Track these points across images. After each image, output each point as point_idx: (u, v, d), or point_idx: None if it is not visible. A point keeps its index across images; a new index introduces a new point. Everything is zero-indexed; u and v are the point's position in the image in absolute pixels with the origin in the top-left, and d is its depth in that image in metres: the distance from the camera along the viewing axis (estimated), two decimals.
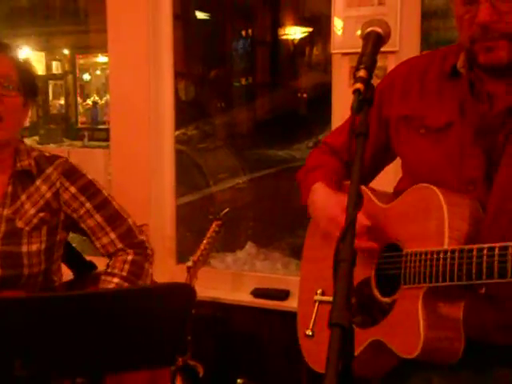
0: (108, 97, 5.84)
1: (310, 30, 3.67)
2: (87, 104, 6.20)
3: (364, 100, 1.05)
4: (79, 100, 6.24)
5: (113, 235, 1.74)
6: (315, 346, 1.48)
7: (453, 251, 1.17)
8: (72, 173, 1.75)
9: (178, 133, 3.37)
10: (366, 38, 1.16)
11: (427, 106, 1.37)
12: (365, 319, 1.37)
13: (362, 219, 1.32)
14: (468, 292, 1.21)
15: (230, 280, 2.68)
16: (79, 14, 5.18)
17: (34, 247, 1.66)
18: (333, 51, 2.34)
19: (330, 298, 0.90)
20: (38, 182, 1.71)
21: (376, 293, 1.35)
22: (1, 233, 1.64)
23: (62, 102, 6.47)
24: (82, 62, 6.16)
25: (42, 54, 5.58)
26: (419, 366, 1.31)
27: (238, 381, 2.43)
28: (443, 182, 1.29)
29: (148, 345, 1.28)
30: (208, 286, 2.54)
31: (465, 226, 1.22)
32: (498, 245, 1.11)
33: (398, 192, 1.44)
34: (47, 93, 6.09)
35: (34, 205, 1.69)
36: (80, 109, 6.25)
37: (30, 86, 1.68)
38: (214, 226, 2.32)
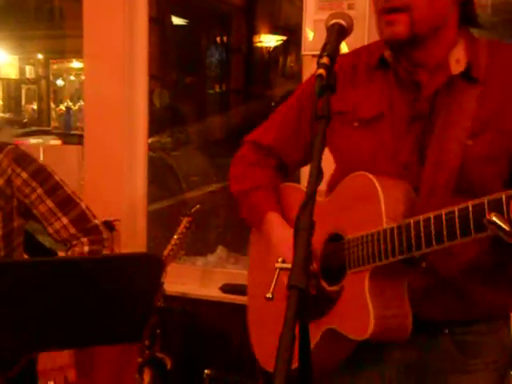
0: (81, 102, 5.95)
1: (285, 38, 3.81)
2: (60, 109, 6.27)
3: (326, 85, 1.09)
4: (52, 105, 6.32)
5: (65, 220, 1.74)
6: (266, 341, 1.50)
7: (392, 228, 1.23)
8: (23, 159, 1.76)
9: (151, 140, 3.45)
10: (329, 29, 1.21)
11: (358, 100, 1.42)
12: (316, 312, 1.39)
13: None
14: (410, 268, 1.26)
15: (199, 276, 2.78)
16: (54, 18, 5.26)
17: None
18: (303, 53, 2.43)
19: (290, 265, 0.94)
20: None
21: (324, 284, 1.37)
22: None
23: (35, 106, 6.53)
24: (55, 67, 6.22)
25: (16, 57, 5.65)
26: (371, 357, 1.37)
27: (206, 371, 2.51)
28: (379, 169, 1.34)
29: (116, 316, 1.30)
30: (177, 281, 2.61)
31: (400, 206, 1.27)
32: (432, 214, 1.18)
33: (332, 186, 1.48)
34: (20, 97, 6.15)
35: None
36: (53, 114, 6.33)
37: None
38: (184, 221, 2.42)
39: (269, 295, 1.33)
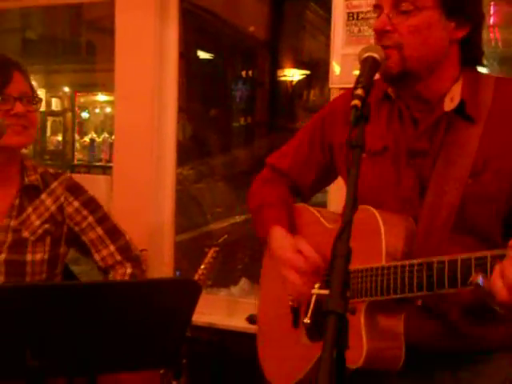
0: (106, 134, 6.11)
1: (308, 72, 3.90)
2: (85, 141, 6.42)
3: (361, 116, 1.12)
4: (77, 137, 6.47)
5: (112, 247, 1.85)
6: (277, 363, 1.58)
7: (389, 267, 1.27)
8: (75, 188, 1.87)
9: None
10: (363, 62, 1.26)
11: (366, 132, 1.48)
12: (317, 333, 1.43)
13: (311, 254, 1.42)
14: (407, 304, 1.30)
15: (226, 306, 2.82)
16: (81, 52, 5.42)
17: (38, 256, 1.76)
18: (331, 86, 2.47)
19: (326, 292, 0.97)
20: (43, 196, 1.82)
21: (311, 311, 1.35)
22: (7, 242, 1.74)
23: (60, 138, 6.68)
24: (81, 99, 6.39)
25: (43, 90, 5.82)
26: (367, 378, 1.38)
27: None
28: (382, 201, 1.39)
29: (154, 340, 1.33)
30: (204, 311, 2.63)
31: (400, 243, 1.31)
32: (425, 260, 1.21)
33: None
34: (45, 128, 6.32)
35: (39, 217, 1.79)
36: (77, 146, 6.48)
37: (39, 99, 1.82)
38: (211, 252, 2.47)
39: (306, 320, 1.36)
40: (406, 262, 1.25)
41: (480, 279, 1.13)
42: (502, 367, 1.45)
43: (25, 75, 1.79)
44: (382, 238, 1.30)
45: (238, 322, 2.67)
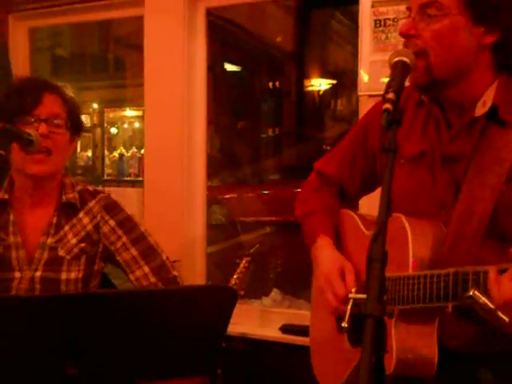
0: (134, 149, 6.21)
1: (335, 82, 3.91)
2: (114, 156, 6.52)
3: (393, 119, 1.11)
4: (106, 152, 6.59)
5: (146, 269, 1.81)
6: (324, 367, 1.61)
7: (413, 277, 1.27)
8: (112, 207, 1.84)
9: None
10: (394, 66, 1.24)
11: (404, 138, 1.45)
12: (358, 338, 1.47)
13: (351, 284, 1.44)
14: (439, 311, 1.28)
15: (259, 316, 2.83)
16: (109, 69, 5.52)
17: (73, 275, 1.75)
18: (360, 93, 2.46)
19: (363, 296, 0.96)
20: (80, 214, 1.81)
21: (348, 315, 1.37)
22: (43, 260, 1.74)
23: (90, 154, 6.81)
24: (110, 115, 6.52)
25: None
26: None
27: None
28: (418, 207, 1.39)
29: (188, 348, 1.32)
30: (237, 322, 2.63)
31: (427, 252, 1.31)
32: (452, 270, 1.21)
33: None
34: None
35: (76, 235, 1.78)
36: (107, 161, 6.59)
37: (76, 122, 1.80)
38: (244, 261, 2.48)
39: (344, 324, 1.37)
40: (435, 272, 1.25)
41: (473, 291, 1.15)
42: None
43: (58, 97, 1.77)
44: (409, 248, 1.30)
45: (271, 332, 2.68)
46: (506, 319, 1.14)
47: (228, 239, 3.90)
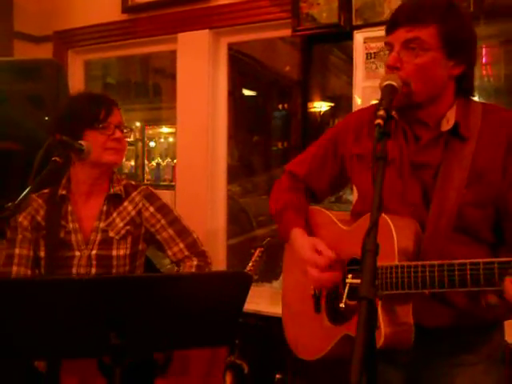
0: (169, 159, 6.24)
1: (333, 104, 3.92)
2: (152, 165, 6.54)
3: (384, 132, 1.12)
4: (146, 162, 6.61)
5: (181, 245, 1.86)
6: (302, 340, 1.56)
7: (402, 266, 1.24)
8: (151, 196, 1.89)
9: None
10: (384, 88, 1.26)
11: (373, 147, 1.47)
12: (339, 319, 1.43)
13: (328, 253, 1.41)
14: (415, 294, 1.27)
15: (270, 296, 2.82)
16: (149, 94, 5.55)
17: (122, 252, 1.79)
18: None
19: (358, 281, 0.96)
20: (125, 203, 1.85)
21: (345, 297, 1.38)
22: (97, 240, 1.79)
23: (133, 163, 6.85)
24: (149, 132, 6.56)
25: None
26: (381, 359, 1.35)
27: (277, 375, 2.50)
28: (391, 206, 1.36)
29: (214, 322, 1.33)
30: (252, 301, 2.64)
31: (410, 243, 1.28)
32: (436, 262, 1.19)
33: (355, 213, 1.51)
34: None
35: (123, 220, 1.83)
36: (146, 169, 6.61)
37: (128, 127, 1.87)
38: (257, 252, 2.47)
39: (342, 305, 1.35)
40: (419, 263, 1.23)
41: (492, 299, 1.14)
42: (495, 337, 1.44)
43: (120, 111, 1.84)
44: (394, 240, 1.27)
45: (280, 309, 2.64)
46: None
47: (245, 233, 3.88)
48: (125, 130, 1.82)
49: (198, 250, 1.90)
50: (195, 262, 1.86)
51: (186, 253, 1.87)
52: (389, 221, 1.29)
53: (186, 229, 1.91)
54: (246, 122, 4.05)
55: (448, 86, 1.36)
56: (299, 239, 1.54)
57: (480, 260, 1.13)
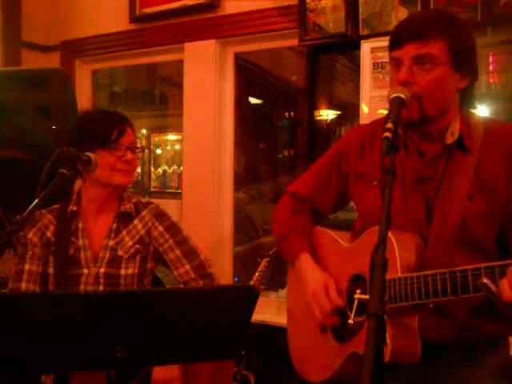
0: (175, 167, 6.25)
1: (339, 112, 3.91)
2: (158, 172, 6.55)
3: (392, 145, 1.11)
4: (152, 169, 6.62)
5: (188, 266, 1.83)
6: (309, 361, 1.54)
7: (405, 278, 1.23)
8: (161, 215, 1.87)
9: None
10: (391, 101, 1.25)
11: (377, 163, 1.43)
12: (345, 337, 1.41)
13: (335, 301, 1.40)
14: (420, 307, 1.26)
15: (276, 307, 2.80)
16: (155, 102, 5.57)
17: (130, 271, 1.77)
18: (361, 122, 2.46)
19: (367, 296, 0.97)
20: (135, 222, 1.83)
21: (350, 314, 1.38)
22: (106, 258, 1.77)
23: (139, 170, 6.87)
24: (156, 139, 6.56)
25: None
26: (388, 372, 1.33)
27: None
28: (394, 222, 1.31)
29: (221, 336, 1.32)
30: (258, 311, 2.60)
31: (412, 257, 1.27)
32: (439, 271, 1.18)
33: (355, 231, 1.49)
34: None
35: (132, 238, 1.81)
36: (152, 176, 6.62)
37: (140, 147, 1.85)
38: (264, 262, 2.47)
39: (351, 321, 1.33)
40: (421, 273, 1.22)
41: (486, 280, 1.10)
42: (503, 353, 1.43)
43: (133, 129, 1.81)
44: (396, 253, 1.26)
45: (286, 320, 2.64)
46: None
47: (250, 241, 3.87)
48: (137, 150, 1.80)
49: (205, 272, 1.87)
50: (201, 284, 1.84)
51: (193, 275, 1.84)
52: (391, 235, 1.28)
53: (194, 250, 1.88)
54: (252, 129, 4.05)
55: (454, 99, 1.37)
56: (310, 269, 1.53)
57: (481, 265, 1.13)
